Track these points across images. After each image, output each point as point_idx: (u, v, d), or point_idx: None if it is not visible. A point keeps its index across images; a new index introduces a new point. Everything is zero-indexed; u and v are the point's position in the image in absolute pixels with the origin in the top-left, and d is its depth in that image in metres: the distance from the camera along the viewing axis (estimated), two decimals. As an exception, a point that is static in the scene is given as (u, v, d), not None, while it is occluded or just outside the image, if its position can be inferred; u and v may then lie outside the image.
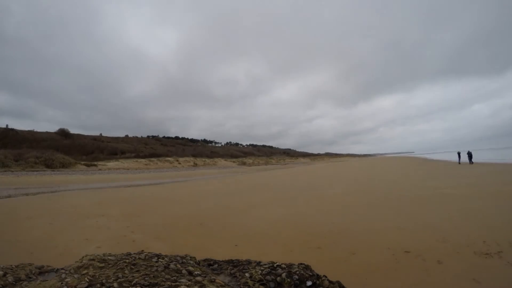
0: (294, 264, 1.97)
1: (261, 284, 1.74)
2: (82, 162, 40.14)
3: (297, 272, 1.83)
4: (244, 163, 66.87)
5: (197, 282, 1.67)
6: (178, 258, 2.09)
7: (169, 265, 1.89)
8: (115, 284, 1.55)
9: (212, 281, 1.71)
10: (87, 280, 1.60)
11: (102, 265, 1.85)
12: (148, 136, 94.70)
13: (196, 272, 1.82)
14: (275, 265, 1.95)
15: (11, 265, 1.86)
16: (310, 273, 1.86)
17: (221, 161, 64.98)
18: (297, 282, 1.77)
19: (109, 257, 1.98)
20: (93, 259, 1.91)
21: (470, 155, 28.50)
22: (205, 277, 1.77)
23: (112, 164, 43.14)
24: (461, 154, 30.95)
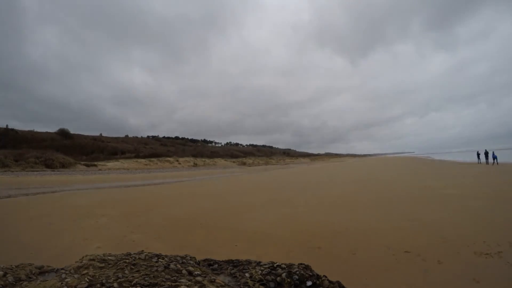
0: (294, 264, 1.96)
1: (261, 284, 1.74)
2: (82, 162, 40.09)
3: (297, 272, 1.83)
4: (244, 163, 66.82)
5: (197, 282, 1.66)
6: (178, 258, 2.09)
7: (169, 265, 1.89)
8: (115, 284, 1.55)
9: (212, 281, 1.71)
10: (87, 280, 1.59)
11: (102, 265, 1.85)
12: (148, 136, 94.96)
13: (196, 272, 1.82)
14: (275, 265, 1.94)
15: (11, 265, 1.86)
16: (310, 273, 1.86)
17: (221, 161, 64.94)
18: (297, 282, 1.77)
19: (109, 257, 1.98)
20: (93, 259, 1.91)
21: (486, 155, 28.89)
22: (205, 277, 1.77)
23: (112, 164, 43.10)
24: (480, 155, 30.38)
